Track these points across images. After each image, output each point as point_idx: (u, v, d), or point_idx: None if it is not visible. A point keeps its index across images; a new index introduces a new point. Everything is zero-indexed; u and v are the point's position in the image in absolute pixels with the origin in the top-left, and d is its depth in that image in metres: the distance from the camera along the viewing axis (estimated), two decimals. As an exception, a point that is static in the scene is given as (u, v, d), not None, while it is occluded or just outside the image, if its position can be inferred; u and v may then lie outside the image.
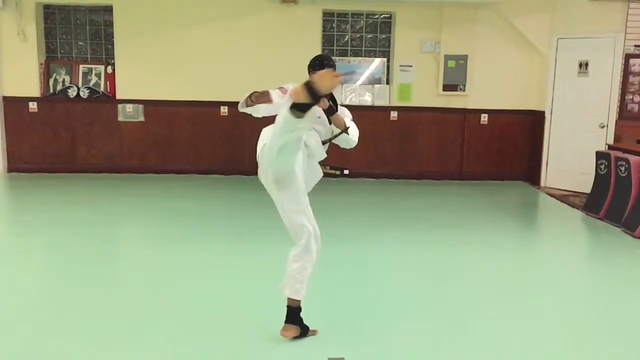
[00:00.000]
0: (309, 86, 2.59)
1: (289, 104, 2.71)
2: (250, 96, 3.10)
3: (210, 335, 3.47)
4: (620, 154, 6.46)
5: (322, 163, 3.41)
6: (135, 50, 8.36)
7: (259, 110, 3.17)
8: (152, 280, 4.41)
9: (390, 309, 3.97)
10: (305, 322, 3.41)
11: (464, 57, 8.51)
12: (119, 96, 8.50)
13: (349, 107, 3.38)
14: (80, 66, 8.53)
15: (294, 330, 3.36)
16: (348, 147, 3.49)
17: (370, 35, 8.72)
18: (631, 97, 7.83)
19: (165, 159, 8.64)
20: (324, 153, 3.40)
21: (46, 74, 8.47)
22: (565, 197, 7.79)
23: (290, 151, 2.97)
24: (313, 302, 3.47)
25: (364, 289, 4.33)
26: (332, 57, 3.38)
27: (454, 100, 8.67)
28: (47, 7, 8.52)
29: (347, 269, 4.77)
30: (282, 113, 2.85)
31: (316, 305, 3.68)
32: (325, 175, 3.44)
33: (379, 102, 8.60)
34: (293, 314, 3.35)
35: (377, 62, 8.65)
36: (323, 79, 2.60)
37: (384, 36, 8.70)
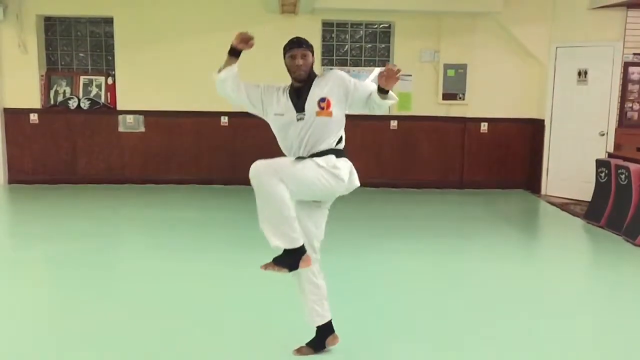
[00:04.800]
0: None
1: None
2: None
3: (211, 345, 3.46)
4: (620, 162, 6.47)
5: None
6: (136, 62, 8.39)
7: (225, 84, 3.28)
8: (153, 291, 4.40)
9: (391, 318, 3.96)
10: (298, 331, 3.43)
11: (464, 66, 8.53)
12: (119, 107, 8.52)
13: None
14: (81, 77, 8.56)
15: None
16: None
17: (369, 45, 8.75)
18: (630, 105, 7.85)
19: (165, 170, 8.65)
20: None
21: (47, 85, 8.50)
22: (566, 206, 7.78)
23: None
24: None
25: (364, 299, 4.32)
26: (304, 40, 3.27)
27: (454, 109, 8.69)
28: (47, 19, 8.57)
29: (347, 280, 4.76)
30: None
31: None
32: None
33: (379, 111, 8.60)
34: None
35: (376, 72, 8.67)
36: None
37: (383, 46, 8.73)
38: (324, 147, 3.11)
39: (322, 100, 3.12)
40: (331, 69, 3.27)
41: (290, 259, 3.00)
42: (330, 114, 3.12)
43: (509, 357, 3.45)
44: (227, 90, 3.28)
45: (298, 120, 3.13)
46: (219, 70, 3.26)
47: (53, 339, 3.56)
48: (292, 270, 3.03)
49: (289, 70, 3.22)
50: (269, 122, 3.28)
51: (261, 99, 3.26)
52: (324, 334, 3.35)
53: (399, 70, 3.08)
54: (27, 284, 4.61)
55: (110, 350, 3.40)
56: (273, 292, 4.34)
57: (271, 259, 3.04)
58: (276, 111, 3.20)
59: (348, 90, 3.19)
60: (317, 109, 3.11)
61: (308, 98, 3.14)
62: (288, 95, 3.20)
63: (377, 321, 3.91)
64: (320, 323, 3.32)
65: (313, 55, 3.23)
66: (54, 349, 3.43)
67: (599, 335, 3.89)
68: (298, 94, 3.18)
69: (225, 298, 4.29)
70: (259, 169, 2.92)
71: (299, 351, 3.36)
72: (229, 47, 3.24)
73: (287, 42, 3.25)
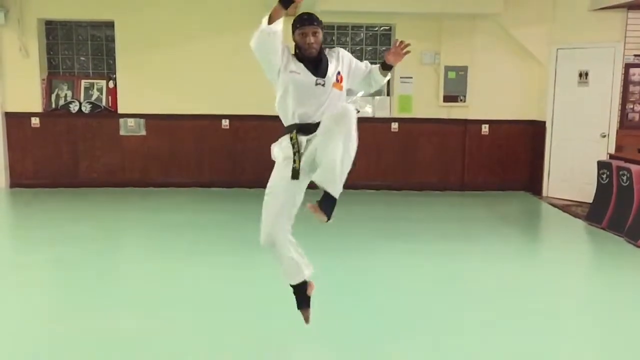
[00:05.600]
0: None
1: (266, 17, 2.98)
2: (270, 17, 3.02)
3: (213, 346, 3.46)
4: (621, 163, 6.46)
5: None
6: (137, 65, 8.40)
7: (276, 36, 3.05)
8: (155, 293, 4.41)
9: (392, 319, 3.96)
10: (300, 332, 3.42)
11: (464, 68, 8.54)
12: (120, 110, 8.53)
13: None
14: (82, 81, 8.57)
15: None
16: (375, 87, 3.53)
17: (370, 48, 8.76)
18: (632, 106, 7.84)
19: (166, 173, 8.65)
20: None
21: (48, 89, 8.51)
22: (568, 207, 7.78)
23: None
24: (313, 313, 3.46)
25: (365, 300, 4.32)
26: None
27: (455, 111, 8.69)
28: (48, 23, 8.58)
29: (348, 280, 4.76)
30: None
31: (316, 317, 3.67)
32: None
33: (380, 114, 8.61)
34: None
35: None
36: None
37: (384, 48, 8.73)
38: None
39: (338, 73, 3.25)
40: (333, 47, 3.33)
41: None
42: (341, 88, 3.25)
43: (509, 358, 3.44)
44: (272, 43, 3.06)
45: (317, 84, 3.16)
46: (269, 22, 3.00)
47: (55, 342, 3.56)
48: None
49: (299, 47, 3.20)
50: (281, 80, 3.18)
51: (282, 55, 3.18)
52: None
53: (408, 45, 3.21)
54: (29, 287, 4.61)
55: (112, 351, 3.40)
56: (274, 293, 4.34)
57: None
58: (292, 69, 3.17)
59: (351, 68, 3.35)
60: (334, 80, 3.21)
61: (328, 68, 3.21)
62: (298, 60, 3.20)
63: (378, 321, 3.91)
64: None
65: (322, 30, 3.24)
66: (57, 351, 3.43)
67: (601, 337, 3.88)
68: (313, 63, 3.19)
69: (226, 299, 4.29)
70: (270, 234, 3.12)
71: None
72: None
73: (296, 17, 3.20)
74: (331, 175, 3.01)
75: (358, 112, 3.27)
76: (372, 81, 3.41)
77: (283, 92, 3.20)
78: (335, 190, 3.04)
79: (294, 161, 3.11)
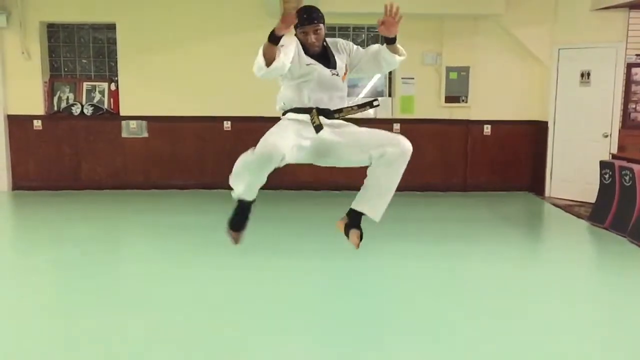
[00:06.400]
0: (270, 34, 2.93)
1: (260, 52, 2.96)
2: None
3: (214, 346, 3.46)
4: (624, 163, 6.45)
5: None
6: (139, 67, 8.41)
7: (285, 68, 3.03)
8: (157, 294, 4.41)
9: (392, 320, 3.95)
10: (302, 333, 3.40)
11: (466, 69, 8.53)
12: (122, 113, 8.54)
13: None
14: (84, 84, 8.59)
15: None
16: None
17: (371, 49, 8.76)
18: (634, 106, 7.83)
19: (169, 175, 8.66)
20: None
21: (50, 92, 8.52)
22: (570, 207, 7.76)
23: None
24: (312, 313, 3.46)
25: (365, 301, 4.31)
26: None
27: (457, 112, 8.68)
28: (50, 25, 8.60)
29: (349, 282, 4.75)
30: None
31: (315, 317, 3.68)
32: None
33: (382, 115, 8.60)
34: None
35: (378, 75, 8.67)
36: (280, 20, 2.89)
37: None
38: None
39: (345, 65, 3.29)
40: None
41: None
42: (344, 79, 3.29)
43: (510, 358, 3.44)
44: (281, 72, 3.05)
45: (332, 75, 3.19)
46: (267, 63, 2.93)
47: (56, 342, 3.56)
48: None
49: (302, 43, 3.18)
50: (299, 72, 3.13)
51: (294, 54, 3.13)
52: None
53: (397, 9, 3.08)
54: (31, 288, 4.61)
55: (113, 352, 3.40)
56: (276, 293, 4.35)
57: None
58: (307, 62, 3.16)
59: (350, 56, 3.33)
60: (343, 72, 3.26)
61: (337, 59, 3.23)
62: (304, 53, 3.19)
63: (378, 322, 3.90)
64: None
65: (324, 24, 3.19)
66: (58, 351, 3.43)
67: (603, 337, 3.87)
68: (321, 55, 3.19)
69: (228, 300, 4.29)
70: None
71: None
72: (270, 33, 2.97)
73: (296, 13, 3.11)
74: (382, 201, 3.39)
75: (378, 105, 3.40)
76: (382, 62, 3.29)
77: (301, 81, 3.16)
78: (379, 214, 3.41)
79: (314, 122, 3.11)
